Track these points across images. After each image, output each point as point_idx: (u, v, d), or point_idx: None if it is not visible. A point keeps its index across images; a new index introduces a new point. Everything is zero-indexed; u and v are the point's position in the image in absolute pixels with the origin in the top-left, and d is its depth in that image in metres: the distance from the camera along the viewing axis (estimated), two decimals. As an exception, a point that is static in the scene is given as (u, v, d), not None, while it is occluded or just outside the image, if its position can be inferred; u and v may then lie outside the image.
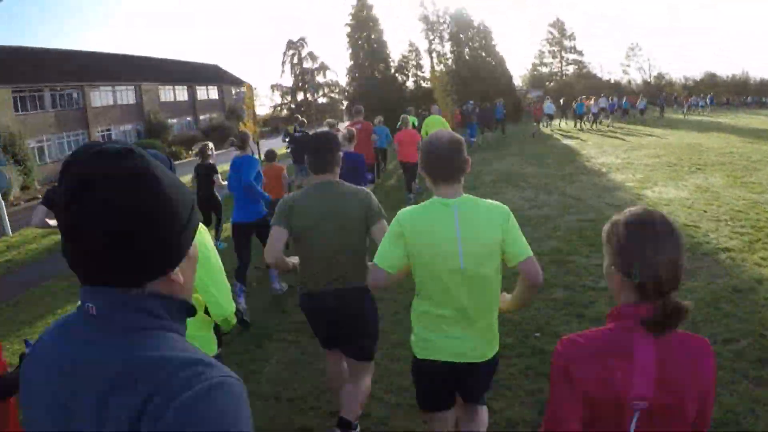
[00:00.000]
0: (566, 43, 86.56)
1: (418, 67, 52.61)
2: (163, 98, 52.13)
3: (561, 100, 38.02)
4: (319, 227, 3.52)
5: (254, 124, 28.22)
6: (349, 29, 50.05)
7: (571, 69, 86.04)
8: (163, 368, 1.01)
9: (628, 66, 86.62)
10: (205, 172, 9.76)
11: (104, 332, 1.08)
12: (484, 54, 49.97)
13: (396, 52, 66.93)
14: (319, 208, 3.53)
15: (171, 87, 54.26)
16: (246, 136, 7.27)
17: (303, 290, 3.76)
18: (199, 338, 2.63)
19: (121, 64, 49.06)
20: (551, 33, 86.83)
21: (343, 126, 10.09)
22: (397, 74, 51.33)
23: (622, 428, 1.67)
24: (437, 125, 14.25)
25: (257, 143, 28.17)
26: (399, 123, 13.63)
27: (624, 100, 42.29)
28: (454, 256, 2.70)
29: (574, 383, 1.67)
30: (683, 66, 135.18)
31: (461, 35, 48.72)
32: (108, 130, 44.37)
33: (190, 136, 46.99)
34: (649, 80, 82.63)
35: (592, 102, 35.06)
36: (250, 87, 28.74)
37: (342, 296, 3.58)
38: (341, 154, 3.73)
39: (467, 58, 48.38)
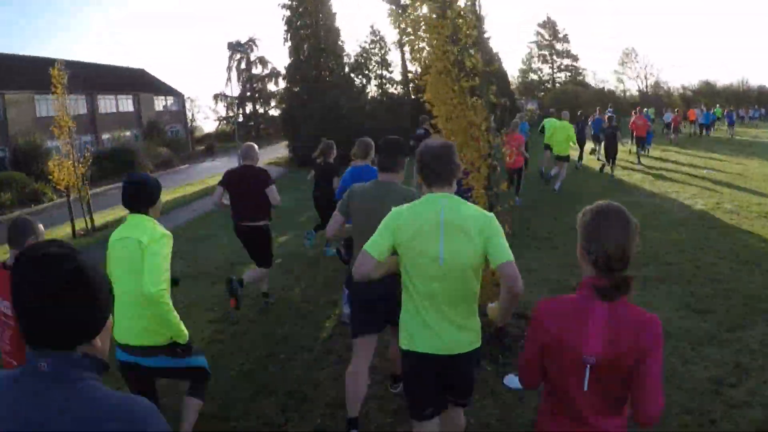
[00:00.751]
0: (558, 46, 76.35)
1: (384, 64, 37.46)
2: (42, 113, 37.75)
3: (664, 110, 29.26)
4: (369, 217, 3.74)
5: (79, 163, 14.90)
6: (288, 12, 35.46)
7: (563, 76, 76.25)
8: (105, 401, 1.43)
9: (623, 74, 77.71)
10: (323, 169, 9.72)
11: (56, 383, 1.42)
12: (473, 52, 37.01)
13: (352, 44, 50.79)
14: (372, 200, 3.98)
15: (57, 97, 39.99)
16: (368, 146, 6.79)
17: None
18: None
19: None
20: (541, 34, 76.83)
21: None
22: (353, 74, 36.40)
23: (580, 380, 2.14)
24: (563, 131, 14.55)
25: (84, 198, 15.08)
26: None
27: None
28: (435, 251, 2.95)
29: (541, 332, 2.23)
30: (677, 74, 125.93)
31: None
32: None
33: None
34: (645, 90, 74.30)
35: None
36: (62, 90, 14.94)
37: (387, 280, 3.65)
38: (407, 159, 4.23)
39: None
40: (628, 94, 72.76)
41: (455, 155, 3.12)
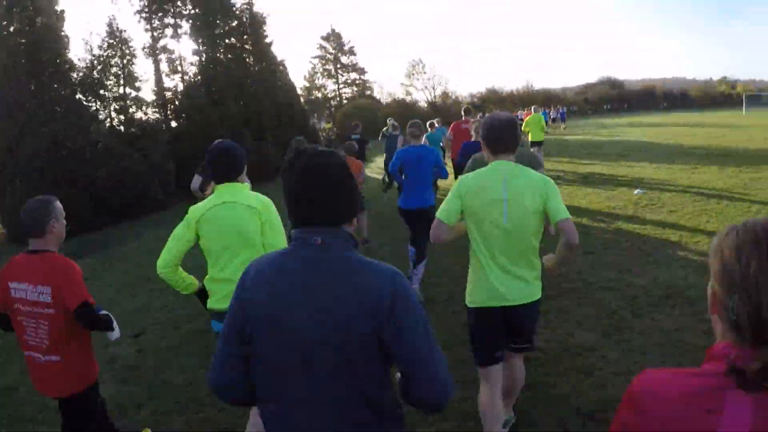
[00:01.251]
0: (344, 59, 72.30)
1: (129, 80, 25.48)
2: None
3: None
4: None
5: None
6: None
7: (350, 91, 72.12)
8: (366, 263, 1.82)
9: (410, 85, 75.28)
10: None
11: (329, 253, 1.81)
12: (252, 60, 28.62)
13: (81, 49, 36.44)
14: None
15: None
16: (421, 127, 7.73)
17: None
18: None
19: None
20: (324, 48, 72.12)
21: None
22: (81, 96, 23.37)
23: None
24: (538, 124, 17.64)
25: None
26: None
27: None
28: (500, 212, 3.30)
29: (641, 421, 1.27)
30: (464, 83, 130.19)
31: (216, 27, 26.83)
32: None
33: None
34: (434, 100, 72.31)
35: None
36: None
37: None
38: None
39: (224, 61, 26.69)
40: (416, 105, 69.61)
41: (518, 128, 3.51)
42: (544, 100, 68.27)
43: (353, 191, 1.89)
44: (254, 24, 28.79)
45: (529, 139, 16.97)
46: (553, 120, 39.59)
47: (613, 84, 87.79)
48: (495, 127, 3.38)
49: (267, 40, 29.28)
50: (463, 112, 12.84)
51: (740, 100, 77.47)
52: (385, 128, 16.01)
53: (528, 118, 17.59)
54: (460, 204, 3.34)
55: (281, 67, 29.47)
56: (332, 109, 64.87)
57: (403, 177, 7.31)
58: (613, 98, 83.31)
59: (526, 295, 3.40)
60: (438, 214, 3.37)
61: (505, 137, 3.37)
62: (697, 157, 18.40)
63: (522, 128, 17.23)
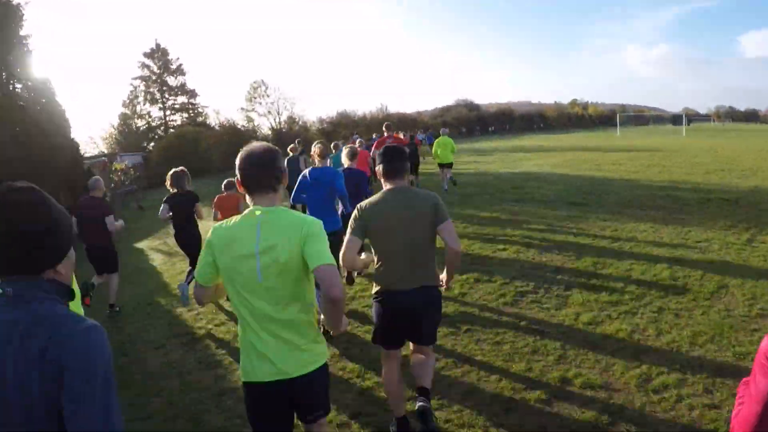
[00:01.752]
0: (172, 81, 61.91)
1: None
2: None
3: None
4: (394, 226, 3.85)
5: None
6: None
7: (178, 118, 61.64)
8: (56, 318, 1.62)
9: (252, 110, 63.87)
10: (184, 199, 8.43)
11: (17, 304, 1.62)
12: (14, 84, 19.18)
13: None
14: (394, 208, 3.85)
15: None
16: (328, 147, 7.26)
17: (383, 289, 3.92)
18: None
19: None
20: (148, 67, 61.16)
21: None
22: None
23: None
24: (448, 146, 17.02)
25: None
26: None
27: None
28: (253, 269, 2.71)
29: None
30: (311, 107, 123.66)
31: None
32: None
33: None
34: (280, 126, 61.98)
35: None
36: None
37: (423, 293, 3.91)
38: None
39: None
40: (259, 133, 59.54)
41: (279, 160, 2.88)
42: (400, 123, 62.15)
43: (49, 235, 1.70)
44: (8, 21, 19.50)
45: (438, 161, 17.43)
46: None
47: (470, 106, 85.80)
48: (247, 162, 2.76)
49: (26, 41, 20.01)
50: (384, 128, 13.37)
51: (592, 120, 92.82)
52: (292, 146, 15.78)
53: (437, 140, 17.98)
54: (212, 258, 2.76)
55: (43, 85, 20.23)
56: (150, 143, 54.50)
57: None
58: (472, 120, 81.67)
59: (302, 364, 2.83)
60: (196, 274, 2.89)
61: (258, 174, 2.76)
62: (704, 210, 11.80)
63: (432, 151, 17.91)
